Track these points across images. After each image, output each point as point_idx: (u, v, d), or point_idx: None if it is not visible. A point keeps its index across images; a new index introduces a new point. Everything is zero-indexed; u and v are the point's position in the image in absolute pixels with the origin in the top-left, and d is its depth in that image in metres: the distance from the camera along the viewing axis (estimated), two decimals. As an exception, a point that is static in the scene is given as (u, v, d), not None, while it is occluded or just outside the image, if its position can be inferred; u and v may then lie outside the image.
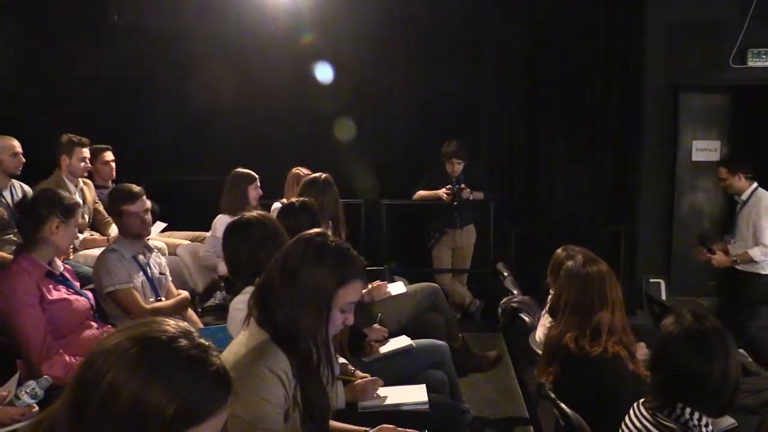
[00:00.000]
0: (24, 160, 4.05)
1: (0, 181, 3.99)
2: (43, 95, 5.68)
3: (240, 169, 4.45)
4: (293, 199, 3.37)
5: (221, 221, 4.11)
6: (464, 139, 5.59)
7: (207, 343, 1.07)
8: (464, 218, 5.59)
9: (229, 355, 1.75)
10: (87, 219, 4.46)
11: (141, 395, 0.97)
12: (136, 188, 3.22)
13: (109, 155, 4.91)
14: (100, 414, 0.98)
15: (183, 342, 1.03)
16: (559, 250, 3.19)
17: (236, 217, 2.70)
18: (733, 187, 4.80)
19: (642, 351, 2.65)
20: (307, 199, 3.29)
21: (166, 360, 1.01)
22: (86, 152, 4.45)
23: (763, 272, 4.64)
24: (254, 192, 4.41)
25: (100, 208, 4.65)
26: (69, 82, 5.78)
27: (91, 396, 0.98)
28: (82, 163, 4.42)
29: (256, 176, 4.44)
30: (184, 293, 3.45)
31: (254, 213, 2.69)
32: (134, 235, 3.20)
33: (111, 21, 5.92)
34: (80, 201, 3.07)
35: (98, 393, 0.98)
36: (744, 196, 4.74)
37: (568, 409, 2.27)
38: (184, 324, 1.09)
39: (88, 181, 4.62)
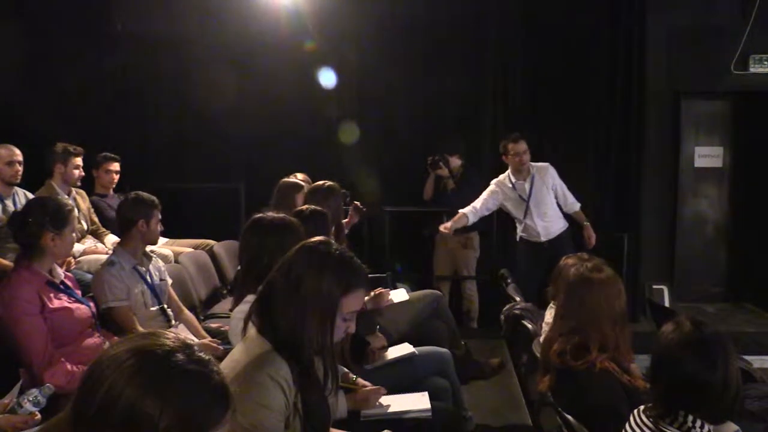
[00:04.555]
0: (21, 168, 4.04)
1: (1, 189, 4.00)
2: (46, 101, 5.70)
3: (287, 179, 4.43)
4: (303, 207, 3.36)
5: None
6: (466, 143, 5.66)
7: (207, 358, 1.08)
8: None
9: (230, 363, 1.75)
10: (85, 226, 4.46)
11: (135, 406, 0.98)
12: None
13: (116, 166, 4.92)
14: (97, 422, 0.99)
15: (180, 356, 1.03)
16: (568, 259, 3.15)
17: (261, 215, 2.71)
18: None
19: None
20: (316, 207, 3.28)
21: (162, 373, 1.01)
22: (80, 161, 4.47)
23: None
24: (302, 199, 4.39)
25: (96, 219, 4.66)
26: (72, 89, 5.81)
27: (90, 405, 1.00)
28: (77, 172, 4.44)
29: (303, 184, 4.44)
30: None
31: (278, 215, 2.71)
32: (153, 241, 3.36)
33: (115, 28, 5.96)
34: (72, 205, 3.06)
35: (96, 402, 0.99)
36: None
37: (570, 418, 2.26)
38: (184, 337, 1.10)
39: (81, 190, 4.62)
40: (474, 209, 4.98)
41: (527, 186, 4.96)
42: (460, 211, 5.00)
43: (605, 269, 2.45)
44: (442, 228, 4.93)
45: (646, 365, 2.08)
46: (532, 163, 4.99)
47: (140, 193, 3.33)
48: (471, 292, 5.76)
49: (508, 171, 5.05)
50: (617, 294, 2.39)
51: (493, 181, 5.12)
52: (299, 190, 4.31)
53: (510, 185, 5.02)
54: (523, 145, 4.93)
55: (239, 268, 2.93)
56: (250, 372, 1.68)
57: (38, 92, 5.74)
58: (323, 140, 6.03)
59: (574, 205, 5.05)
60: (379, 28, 6.01)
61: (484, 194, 5.06)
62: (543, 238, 4.99)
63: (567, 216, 5.09)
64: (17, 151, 4.05)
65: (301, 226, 2.66)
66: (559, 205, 5.03)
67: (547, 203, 4.97)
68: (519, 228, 5.14)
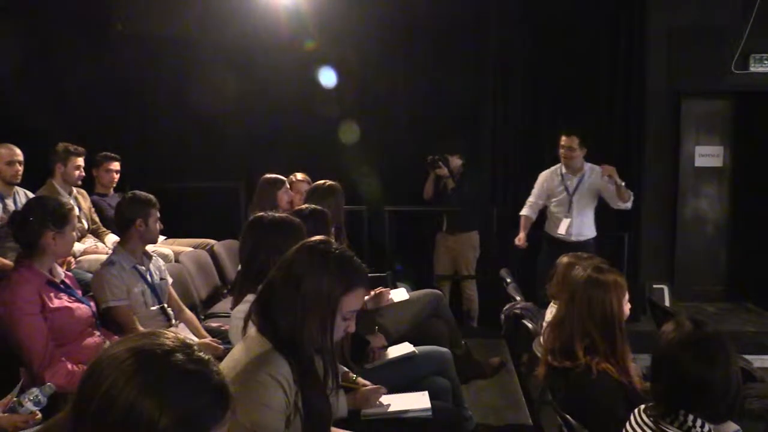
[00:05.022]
0: (21, 168, 4.04)
1: (1, 188, 4.00)
2: (46, 101, 5.70)
3: (268, 175, 4.42)
4: (303, 206, 3.36)
5: None
6: (467, 143, 5.65)
7: (207, 357, 1.07)
8: (454, 224, 5.67)
9: (230, 362, 1.75)
10: (86, 225, 4.47)
11: (135, 406, 0.98)
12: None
13: (116, 165, 4.93)
14: (97, 422, 0.99)
15: (179, 356, 1.03)
16: (564, 258, 3.14)
17: (262, 213, 2.71)
18: None
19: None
20: (317, 206, 3.28)
21: (161, 373, 1.01)
22: (81, 161, 4.48)
23: None
24: (285, 196, 4.37)
25: (96, 218, 4.66)
26: (73, 89, 5.81)
27: (90, 403, 1.00)
28: (77, 172, 4.44)
29: (285, 179, 4.42)
30: None
31: (279, 214, 2.72)
32: (152, 240, 3.35)
33: (115, 28, 5.96)
34: (73, 204, 3.06)
35: (96, 401, 0.99)
36: None
37: (570, 418, 2.26)
38: (184, 337, 1.10)
39: (82, 190, 4.63)
40: (530, 206, 5.16)
41: (576, 180, 5.01)
42: (521, 214, 5.16)
43: (608, 270, 2.44)
44: (517, 242, 5.06)
45: (646, 365, 2.07)
46: (589, 164, 5.02)
47: (137, 192, 3.32)
48: (471, 292, 5.77)
49: (562, 162, 5.11)
50: (618, 296, 2.37)
51: (541, 174, 5.20)
52: (280, 186, 4.30)
53: (560, 176, 5.08)
54: (569, 140, 4.95)
55: (240, 267, 2.93)
56: (250, 371, 1.68)
57: (38, 92, 5.74)
58: (323, 140, 6.02)
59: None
60: (380, 28, 6.00)
61: (535, 190, 5.20)
62: (574, 238, 5.03)
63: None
64: (17, 151, 4.05)
65: (302, 225, 2.66)
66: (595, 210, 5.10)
67: (589, 204, 5.04)
68: (554, 226, 5.12)
